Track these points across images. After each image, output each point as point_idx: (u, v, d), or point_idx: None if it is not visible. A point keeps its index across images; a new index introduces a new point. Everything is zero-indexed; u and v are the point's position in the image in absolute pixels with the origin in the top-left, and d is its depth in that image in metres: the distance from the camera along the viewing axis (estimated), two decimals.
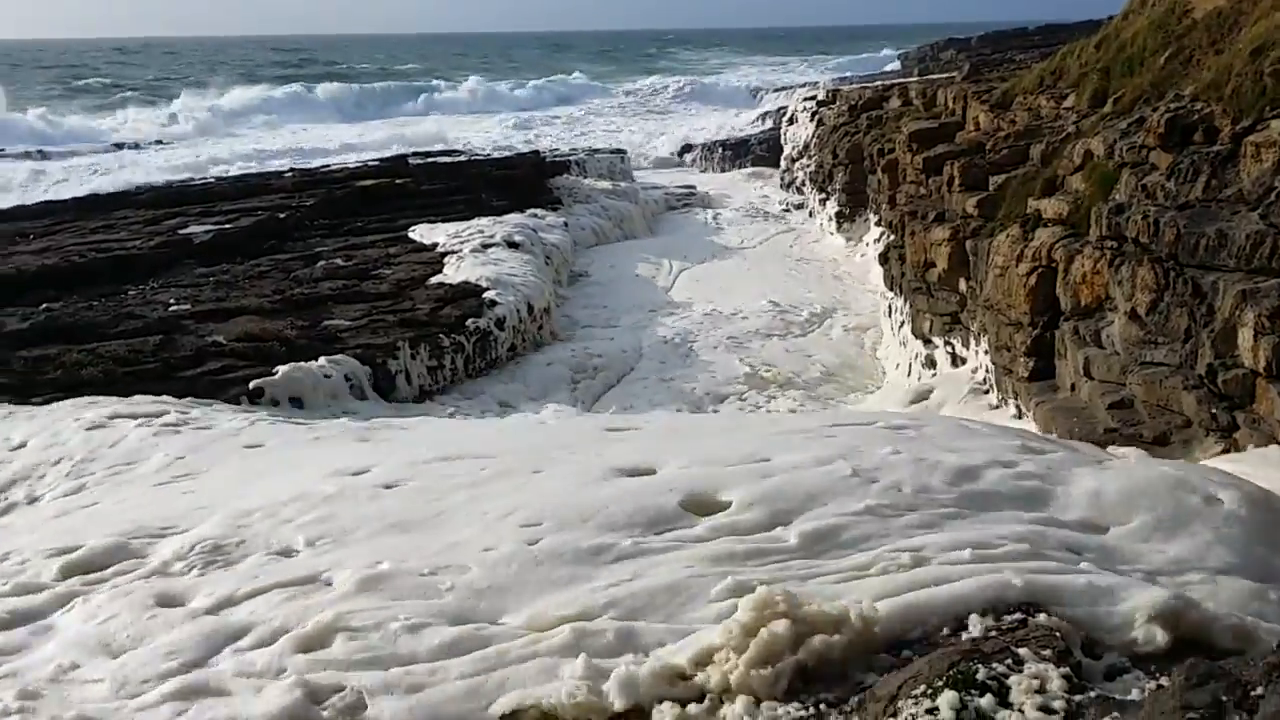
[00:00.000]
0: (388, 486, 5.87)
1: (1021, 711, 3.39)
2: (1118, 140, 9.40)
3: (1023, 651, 3.74)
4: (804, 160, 29.67)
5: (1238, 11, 10.50)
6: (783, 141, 33.77)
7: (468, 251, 17.34)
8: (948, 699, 3.46)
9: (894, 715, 3.51)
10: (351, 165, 26.93)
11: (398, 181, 23.38)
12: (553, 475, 5.67)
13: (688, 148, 38.61)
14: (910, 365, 13.09)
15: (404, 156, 28.64)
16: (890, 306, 15.10)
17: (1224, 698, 3.33)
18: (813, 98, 33.39)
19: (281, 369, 11.26)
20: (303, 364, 11.46)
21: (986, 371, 10.80)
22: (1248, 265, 7.20)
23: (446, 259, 16.91)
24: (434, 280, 15.49)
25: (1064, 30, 41.67)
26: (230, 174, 28.15)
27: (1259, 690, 3.33)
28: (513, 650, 3.87)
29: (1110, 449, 6.51)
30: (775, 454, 5.56)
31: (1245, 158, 7.73)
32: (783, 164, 32.10)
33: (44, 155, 37.20)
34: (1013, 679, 3.55)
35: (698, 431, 7.05)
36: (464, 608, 4.23)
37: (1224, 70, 8.77)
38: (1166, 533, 4.71)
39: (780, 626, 3.75)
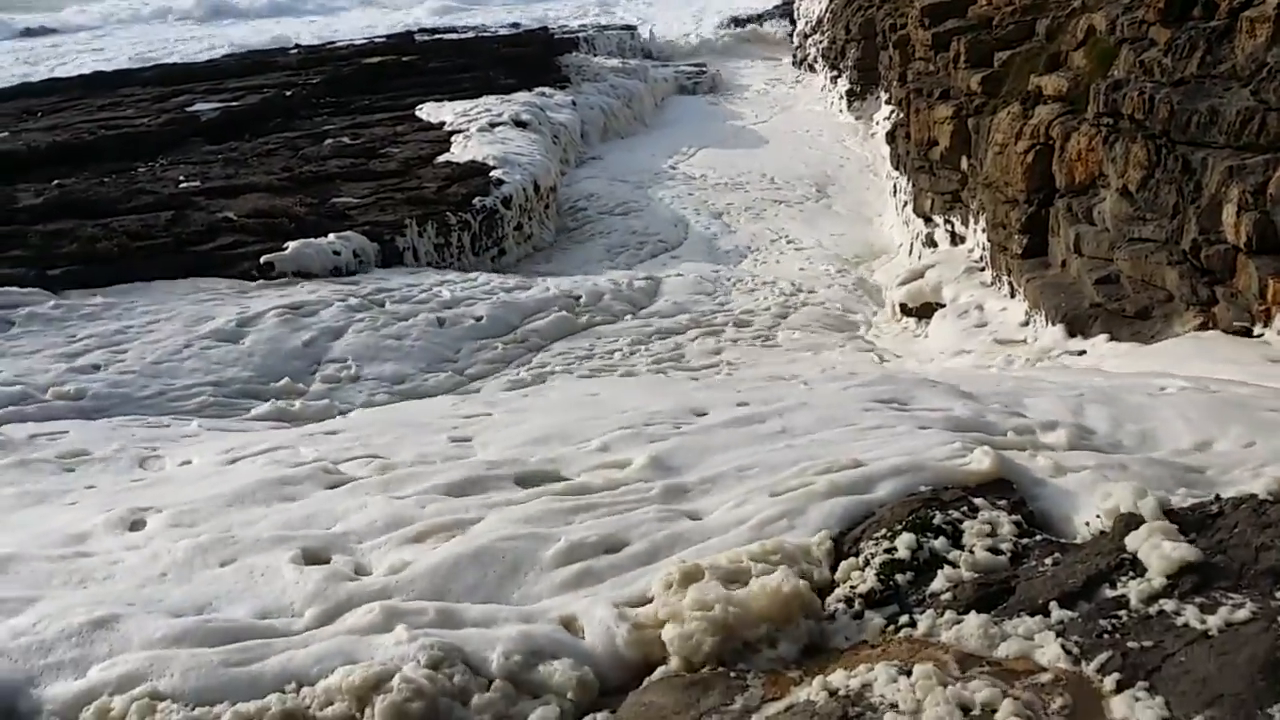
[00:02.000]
0: None
1: (971, 552, 3.66)
2: (1120, 15, 9.36)
3: (979, 501, 4.02)
4: (817, 36, 29.25)
5: None
6: (796, 17, 33.25)
7: (475, 130, 17.36)
8: (905, 540, 3.75)
9: (856, 555, 3.81)
10: (358, 42, 26.70)
11: (405, 59, 23.22)
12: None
13: (698, 25, 37.94)
14: (911, 244, 13.23)
15: (411, 33, 28.36)
16: (895, 185, 15.18)
17: None
18: None
19: (291, 244, 11.47)
20: (312, 240, 11.67)
21: (983, 250, 10.94)
22: (1236, 142, 7.28)
23: (454, 138, 16.95)
24: (441, 159, 15.57)
25: None
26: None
27: (1192, 535, 3.62)
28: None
29: None
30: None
31: (1241, 33, 7.73)
32: (795, 40, 31.67)
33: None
34: (966, 524, 3.83)
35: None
36: None
37: None
38: None
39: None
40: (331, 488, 5.03)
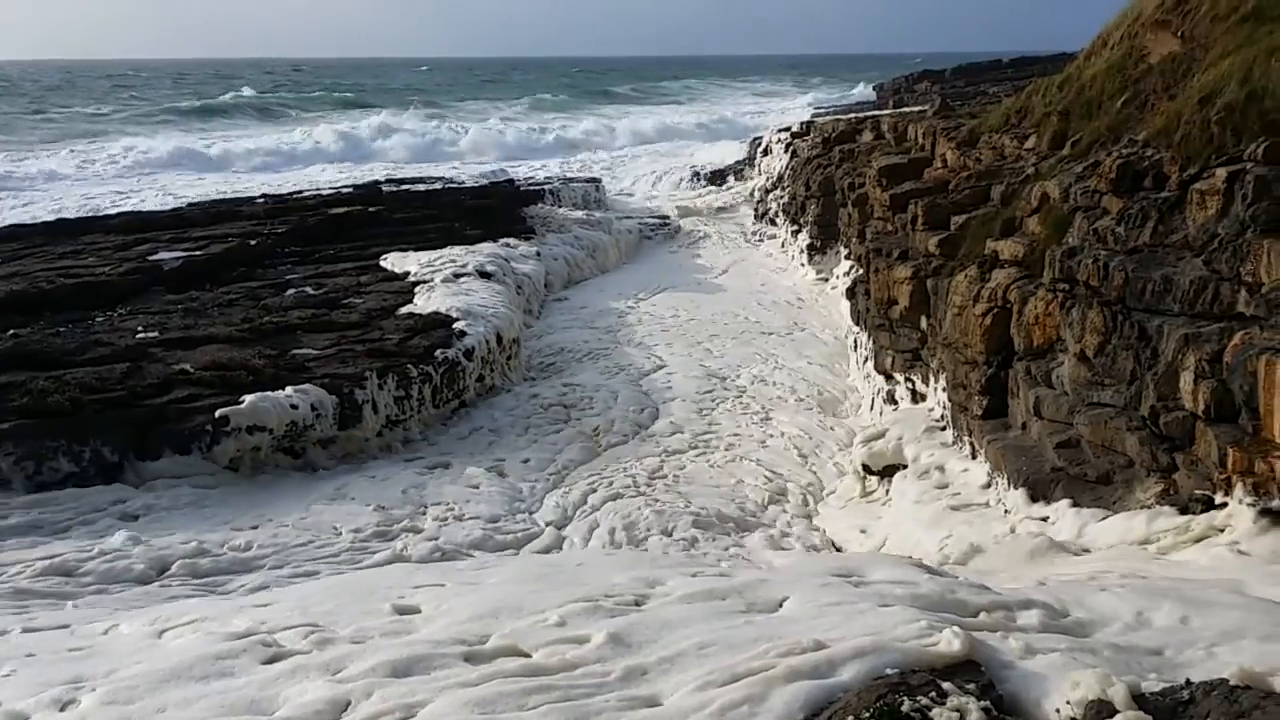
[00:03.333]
0: None
1: None
2: (1073, 184, 9.61)
3: (947, 685, 3.90)
4: (777, 192, 29.97)
5: (1190, 58, 10.75)
6: (757, 173, 34.11)
7: (439, 281, 17.45)
8: None
9: None
10: (324, 192, 27.02)
11: (371, 209, 23.48)
12: None
13: (661, 178, 38.80)
14: (873, 400, 13.27)
15: (377, 184, 28.77)
16: (856, 341, 15.31)
17: None
18: (786, 129, 33.74)
19: (248, 398, 11.29)
20: (269, 393, 11.50)
21: (944, 409, 10.98)
22: (1191, 310, 7.40)
23: (417, 288, 17.01)
24: (404, 310, 15.59)
25: (1037, 63, 42.33)
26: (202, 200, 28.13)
27: None
28: None
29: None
30: None
31: (1191, 204, 7.93)
32: (756, 195, 32.38)
33: None
34: (934, 711, 3.72)
35: None
36: None
37: (1174, 117, 8.99)
38: None
39: None
40: (269, 662, 4.84)
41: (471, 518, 10.43)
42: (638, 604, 5.16)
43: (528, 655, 4.65)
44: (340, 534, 9.75)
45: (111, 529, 9.55)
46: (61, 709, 4.59)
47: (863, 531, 9.86)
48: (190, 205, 25.90)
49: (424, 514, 10.45)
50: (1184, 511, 6.92)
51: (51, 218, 24.69)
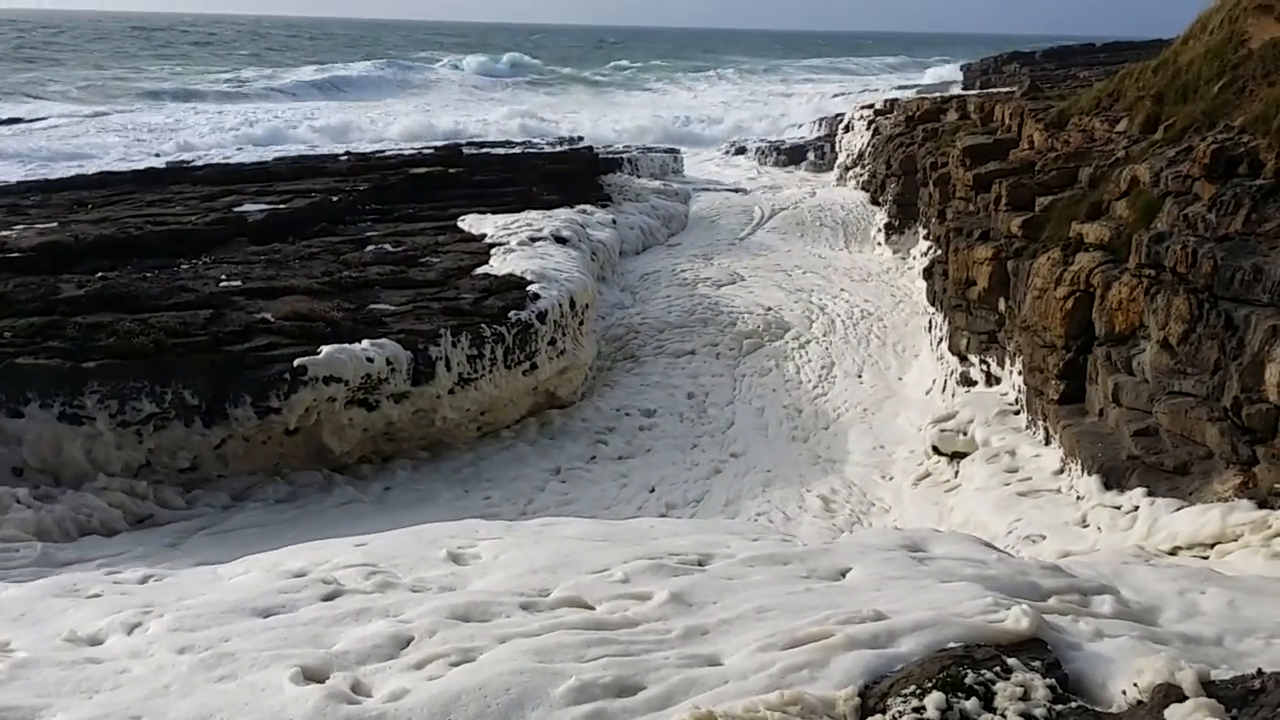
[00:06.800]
0: None
1: (1004, 716, 3.52)
2: (1164, 168, 9.40)
3: (1012, 661, 3.88)
4: (857, 169, 29.69)
5: None
6: (837, 149, 33.80)
7: (515, 244, 17.50)
8: (934, 699, 3.61)
9: (883, 712, 3.65)
10: (406, 152, 27.25)
11: (450, 171, 23.61)
12: None
13: (741, 149, 38.57)
14: (945, 382, 13.12)
15: (458, 145, 28.95)
16: (930, 322, 15.15)
17: None
18: (870, 106, 33.36)
19: (325, 349, 11.47)
20: (346, 345, 11.67)
21: (1018, 393, 10.83)
22: None
23: (493, 250, 17.06)
24: (480, 270, 15.66)
25: (1132, 49, 41.15)
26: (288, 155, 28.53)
27: (1233, 712, 3.45)
28: None
29: None
30: None
31: None
32: (836, 172, 32.10)
33: None
34: (999, 685, 3.70)
35: None
36: None
37: (1273, 103, 8.75)
38: None
39: None
40: (328, 599, 4.95)
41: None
42: (700, 564, 5.18)
43: (590, 608, 4.69)
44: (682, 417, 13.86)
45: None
46: (129, 633, 4.75)
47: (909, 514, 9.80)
48: (276, 160, 26.28)
49: (707, 397, 14.59)
50: (1262, 505, 6.79)
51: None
